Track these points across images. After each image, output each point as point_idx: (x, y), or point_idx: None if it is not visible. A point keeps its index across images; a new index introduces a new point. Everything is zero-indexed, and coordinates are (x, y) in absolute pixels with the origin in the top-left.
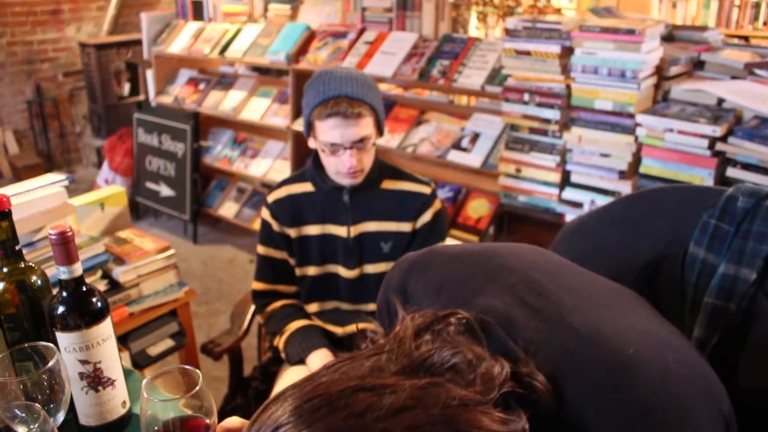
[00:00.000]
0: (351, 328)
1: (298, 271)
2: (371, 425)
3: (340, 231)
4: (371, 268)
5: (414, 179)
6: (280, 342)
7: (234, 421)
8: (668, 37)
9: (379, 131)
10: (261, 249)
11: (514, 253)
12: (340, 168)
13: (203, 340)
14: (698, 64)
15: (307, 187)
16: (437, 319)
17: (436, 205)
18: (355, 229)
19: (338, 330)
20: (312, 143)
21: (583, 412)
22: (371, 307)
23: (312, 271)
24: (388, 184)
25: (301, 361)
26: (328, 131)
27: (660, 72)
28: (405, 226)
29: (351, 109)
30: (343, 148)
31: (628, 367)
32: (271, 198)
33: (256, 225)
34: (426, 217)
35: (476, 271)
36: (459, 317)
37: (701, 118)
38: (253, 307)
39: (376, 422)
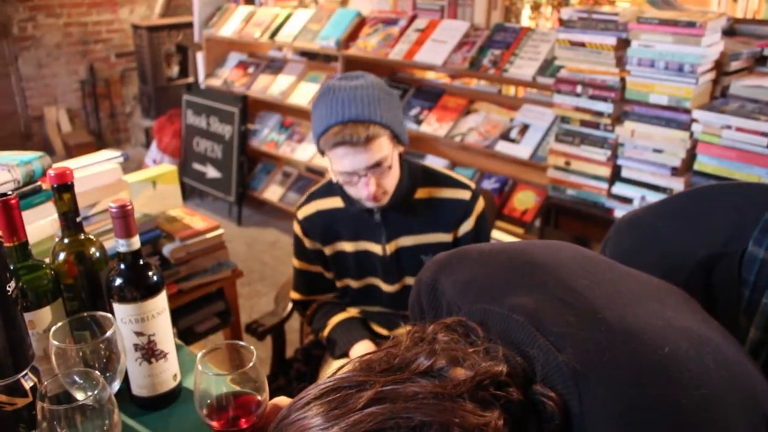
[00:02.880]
0: (399, 332)
1: (338, 283)
2: (347, 415)
3: (376, 248)
4: (412, 281)
5: (452, 183)
6: (323, 338)
7: (284, 400)
8: (729, 31)
9: (400, 143)
10: (296, 262)
11: (546, 250)
12: (360, 195)
13: (246, 320)
14: (760, 60)
15: (336, 202)
16: (441, 328)
17: (479, 207)
18: (391, 246)
19: (384, 331)
20: (328, 165)
21: (610, 410)
22: None
23: (352, 283)
24: (423, 193)
25: (345, 355)
26: (338, 160)
27: (719, 67)
28: (445, 237)
29: (357, 134)
30: (357, 176)
31: (661, 367)
32: (301, 214)
33: None
34: (468, 224)
35: (506, 269)
36: (464, 323)
37: (762, 116)
38: None
39: (351, 413)
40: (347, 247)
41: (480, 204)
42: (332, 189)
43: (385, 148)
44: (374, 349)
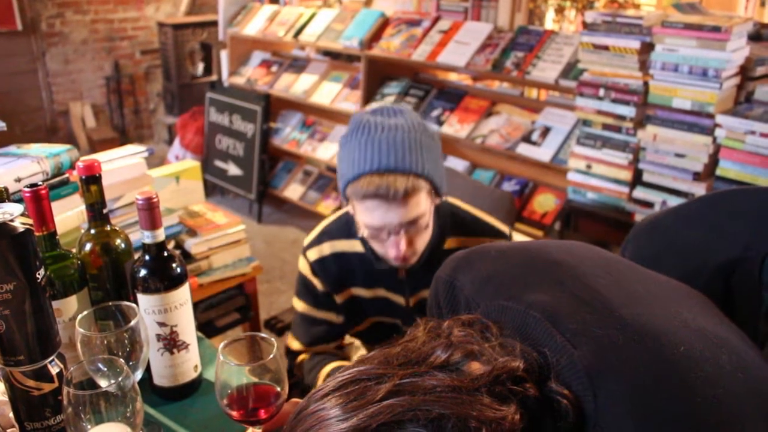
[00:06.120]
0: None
1: (350, 331)
2: (365, 407)
3: (397, 299)
4: None
5: (486, 231)
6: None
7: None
8: (755, 36)
9: (439, 195)
10: (299, 305)
11: (564, 249)
12: (386, 253)
13: (264, 317)
14: None
15: (355, 245)
16: (457, 324)
17: None
18: (415, 298)
19: None
20: (350, 210)
21: (624, 408)
22: None
23: (367, 323)
24: (453, 243)
25: None
26: (366, 213)
27: (744, 72)
28: None
29: (395, 188)
30: (387, 233)
31: (675, 366)
32: (313, 255)
33: (321, 208)
34: None
35: (525, 266)
36: (479, 321)
37: None
38: None
39: (369, 405)
40: (364, 293)
41: None
42: (350, 230)
43: (423, 204)
44: None
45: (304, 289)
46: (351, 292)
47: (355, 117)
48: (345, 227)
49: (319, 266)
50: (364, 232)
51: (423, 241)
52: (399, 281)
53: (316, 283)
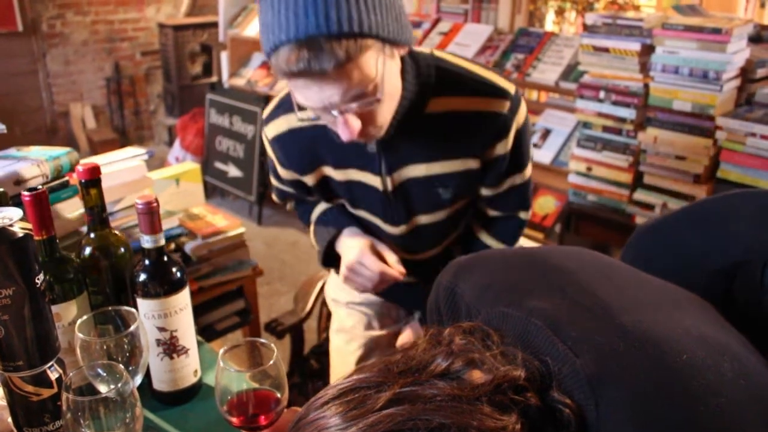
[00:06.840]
0: (424, 255)
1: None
2: (365, 416)
3: (373, 181)
4: (426, 219)
5: (482, 89)
6: (311, 236)
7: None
8: (756, 38)
9: (400, 45)
10: (272, 179)
11: (566, 254)
12: (338, 132)
13: (264, 319)
14: None
15: (311, 114)
16: (458, 332)
17: (520, 119)
18: (394, 179)
19: (407, 256)
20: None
21: (626, 417)
22: (433, 252)
23: (348, 208)
24: (439, 105)
25: (333, 259)
26: (296, 92)
27: (745, 74)
28: (471, 163)
29: (322, 59)
30: (329, 113)
31: (678, 374)
32: (270, 132)
33: None
34: (505, 145)
35: (526, 273)
36: (481, 329)
37: None
38: (317, 289)
39: (369, 414)
40: (333, 174)
41: (522, 113)
42: None
43: (372, 69)
44: (362, 236)
45: (273, 170)
46: (322, 172)
47: None
48: None
49: (277, 144)
50: (303, 113)
51: (386, 111)
52: (370, 156)
53: (280, 170)
